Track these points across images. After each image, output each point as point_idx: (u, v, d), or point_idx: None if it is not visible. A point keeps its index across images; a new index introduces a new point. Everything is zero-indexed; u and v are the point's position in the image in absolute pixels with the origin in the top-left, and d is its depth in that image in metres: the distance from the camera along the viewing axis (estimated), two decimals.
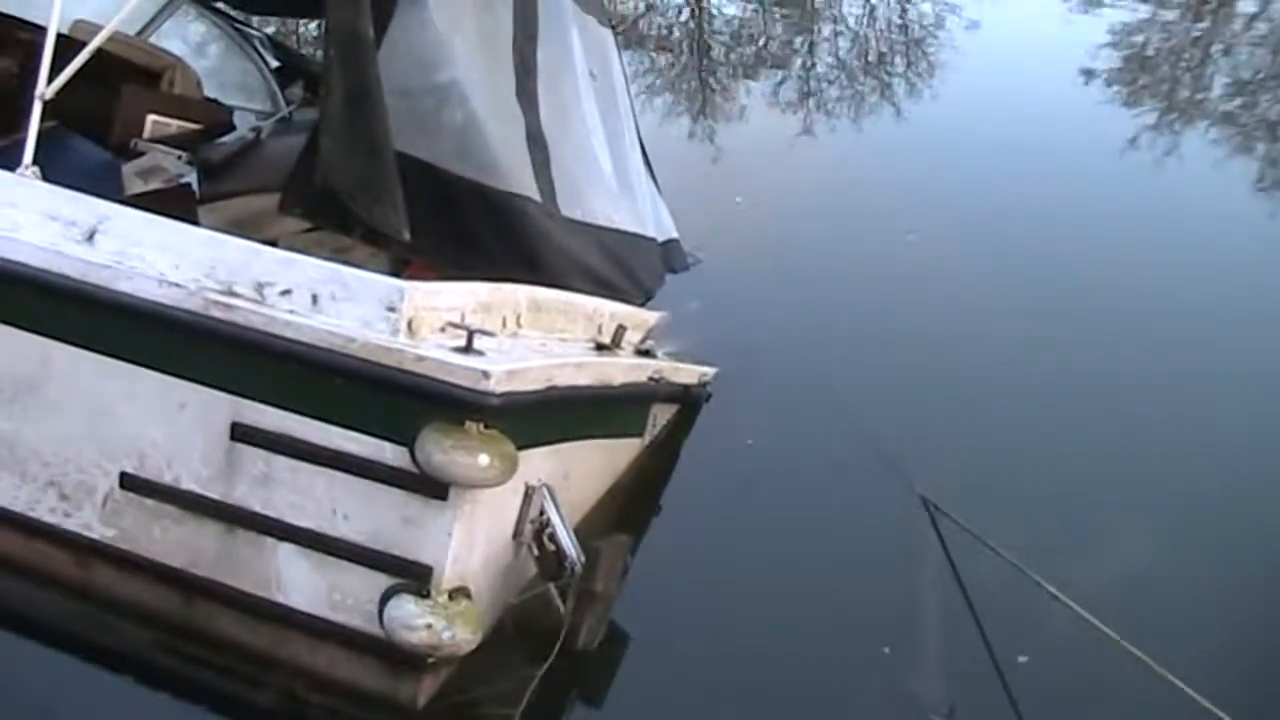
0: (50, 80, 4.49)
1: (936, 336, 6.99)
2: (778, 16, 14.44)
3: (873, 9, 14.90)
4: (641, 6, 13.65)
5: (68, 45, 4.54)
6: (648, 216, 5.97)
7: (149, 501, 4.24)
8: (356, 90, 4.35)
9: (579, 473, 4.67)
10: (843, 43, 13.84)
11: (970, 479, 5.72)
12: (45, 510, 4.40)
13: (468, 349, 3.79)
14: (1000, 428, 6.33)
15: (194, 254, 4.09)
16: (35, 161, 4.44)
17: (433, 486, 3.83)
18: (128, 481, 4.24)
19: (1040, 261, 8.29)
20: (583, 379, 4.35)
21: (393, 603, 3.95)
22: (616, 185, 5.70)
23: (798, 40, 13.77)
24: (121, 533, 4.32)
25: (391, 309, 3.84)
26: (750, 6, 14.42)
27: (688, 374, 5.45)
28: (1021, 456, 6.13)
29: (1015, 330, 7.24)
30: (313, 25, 9.09)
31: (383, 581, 3.99)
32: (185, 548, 4.25)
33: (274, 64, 7.04)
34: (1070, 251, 8.49)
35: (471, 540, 3.98)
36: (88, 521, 4.35)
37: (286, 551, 4.11)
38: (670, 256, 6.15)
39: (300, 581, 4.13)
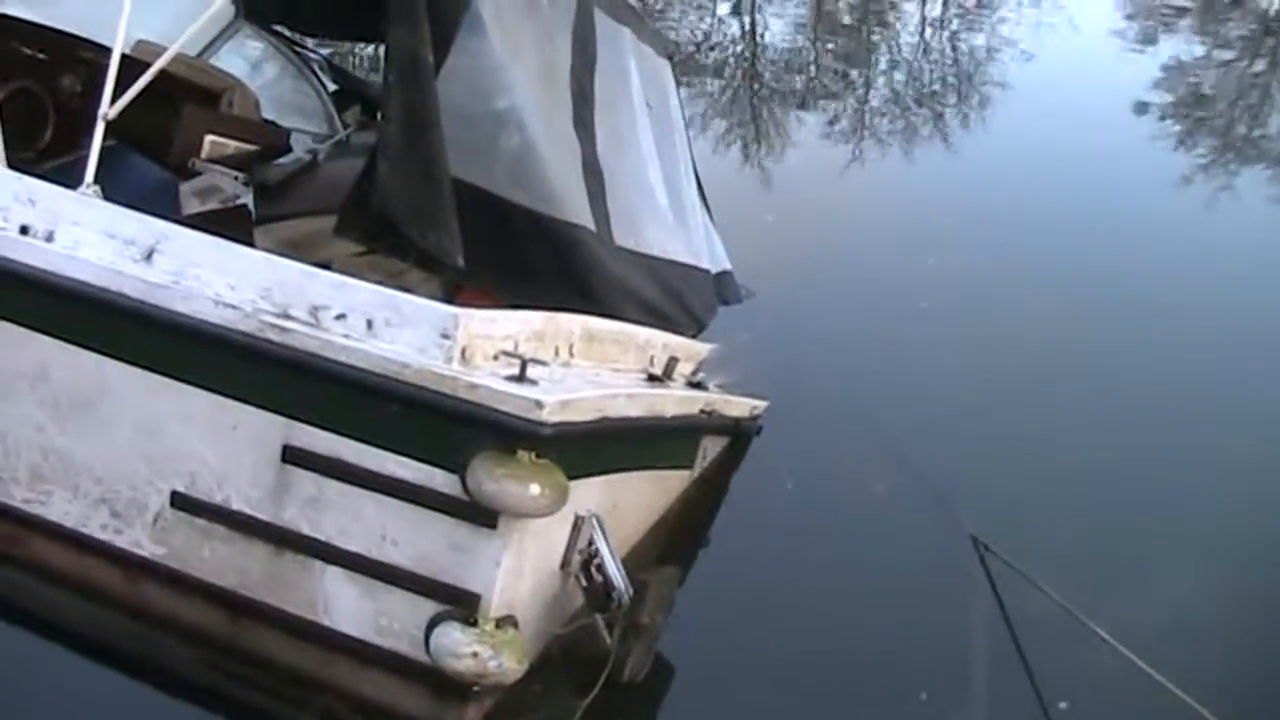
0: (113, 101, 4.52)
1: (986, 373, 6.96)
2: (830, 47, 14.44)
3: (926, 41, 14.88)
4: (697, 35, 13.66)
5: (130, 66, 4.58)
6: (701, 248, 5.98)
7: (199, 521, 4.24)
8: (415, 116, 4.36)
9: (628, 503, 4.66)
10: (896, 74, 13.84)
11: (1019, 518, 5.68)
12: (96, 526, 4.42)
13: (521, 378, 3.78)
14: (1050, 466, 6.29)
15: (250, 276, 4.11)
16: (96, 180, 4.48)
17: (483, 515, 3.82)
18: (178, 500, 4.25)
19: (1093, 300, 8.25)
20: (634, 410, 4.34)
21: (439, 629, 3.94)
22: (671, 216, 5.71)
23: (851, 71, 13.76)
24: (171, 551, 4.33)
25: (446, 336, 3.84)
26: (803, 37, 14.42)
27: (738, 407, 5.44)
28: (1071, 495, 6.09)
29: (1067, 369, 7.21)
30: (370, 48, 9.19)
31: (430, 608, 3.98)
32: (233, 568, 4.25)
33: (331, 87, 7.07)
34: (1124, 290, 8.46)
35: (520, 569, 3.97)
36: (138, 539, 4.36)
37: (334, 575, 4.10)
38: (723, 288, 6.15)
39: (347, 605, 4.13)
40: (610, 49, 5.44)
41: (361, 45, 9.26)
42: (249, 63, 7.08)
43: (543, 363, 3.91)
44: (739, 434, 5.70)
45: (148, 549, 4.36)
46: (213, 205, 5.64)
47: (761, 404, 5.76)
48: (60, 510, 4.47)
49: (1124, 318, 8.03)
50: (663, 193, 5.70)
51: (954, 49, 14.76)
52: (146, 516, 4.33)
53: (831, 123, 12.03)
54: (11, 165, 4.66)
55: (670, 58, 6.43)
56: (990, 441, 6.40)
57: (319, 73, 7.07)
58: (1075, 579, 5.13)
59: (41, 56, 6.22)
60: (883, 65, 14.15)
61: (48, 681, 4.49)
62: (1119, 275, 8.64)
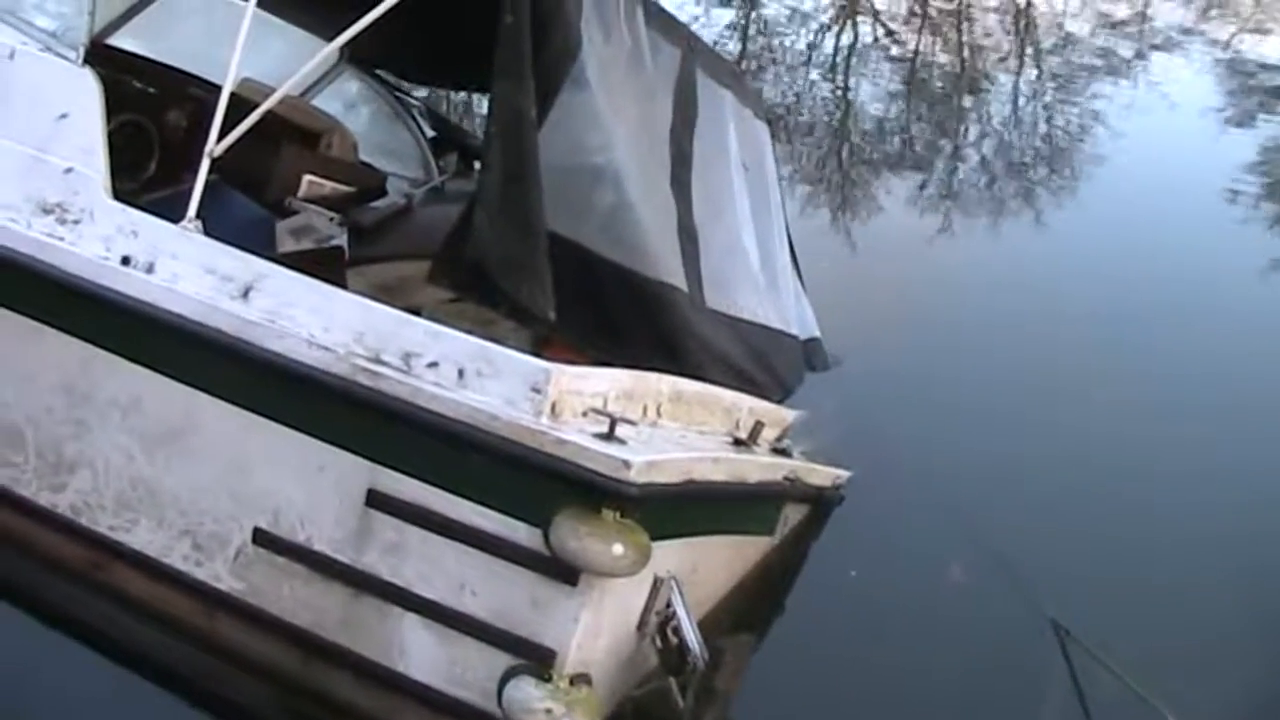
0: (220, 138, 4.59)
1: (1072, 451, 6.89)
2: (922, 113, 14.42)
3: (1018, 114, 14.83)
4: (788, 97, 13.68)
5: (236, 104, 4.63)
6: (791, 313, 5.96)
7: (279, 559, 4.28)
8: (515, 168, 4.39)
9: (707, 567, 4.64)
10: (986, 143, 13.78)
11: (1102, 602, 5.60)
12: (178, 557, 4.46)
13: (609, 436, 3.79)
14: (1136, 550, 6.19)
15: (345, 319, 4.15)
16: (198, 215, 4.54)
17: (563, 571, 3.82)
18: (260, 537, 4.29)
19: (1180, 383, 8.15)
20: (720, 475, 4.33)
21: (513, 683, 3.92)
22: (763, 280, 5.70)
23: (941, 138, 13.73)
24: (250, 587, 4.36)
25: (536, 390, 3.86)
26: (894, 102, 14.41)
27: (822, 475, 5.41)
28: (1158, 581, 5.99)
29: (1155, 454, 7.11)
30: (463, 93, 9.26)
31: (504, 661, 3.97)
32: (311, 608, 4.28)
33: (429, 133, 7.12)
34: (1211, 375, 8.34)
35: (597, 627, 3.96)
36: (218, 572, 4.40)
37: (411, 621, 4.11)
38: (811, 355, 6.12)
39: (422, 652, 4.13)
40: (710, 110, 5.45)
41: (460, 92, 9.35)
42: (349, 104, 7.15)
43: (631, 422, 3.92)
44: (821, 503, 5.66)
45: (227, 583, 4.40)
46: (307, 245, 5.69)
47: (845, 474, 5.72)
48: (144, 539, 4.52)
49: (1214, 404, 7.91)
50: (756, 256, 5.69)
51: (1046, 121, 14.69)
52: (228, 551, 4.37)
53: (920, 189, 11.99)
54: (116, 195, 4.73)
55: (769, 121, 6.44)
56: (1075, 521, 6.31)
57: (418, 118, 7.13)
58: (1159, 667, 5.04)
59: (150, 90, 6.33)
60: (973, 134, 14.10)
61: (119, 709, 4.54)
62: (1212, 363, 8.52)
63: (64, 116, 4.86)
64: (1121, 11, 18.74)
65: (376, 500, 4.06)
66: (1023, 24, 17.80)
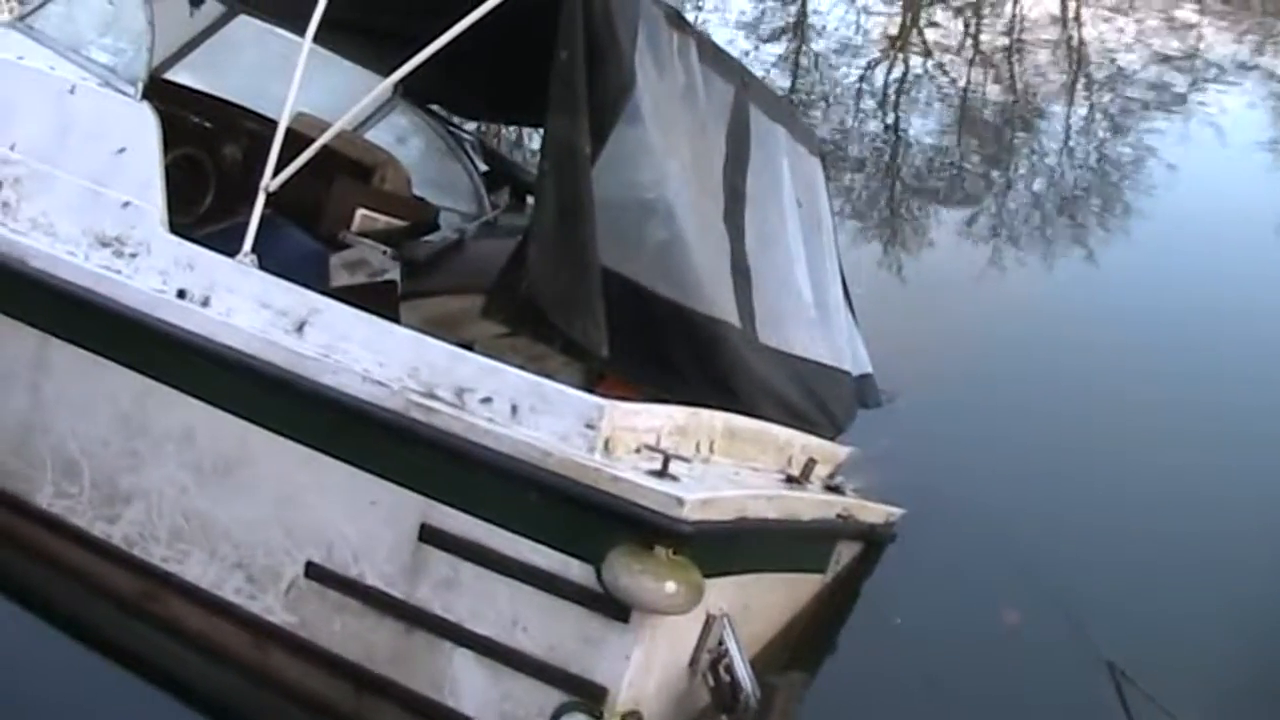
0: (275, 173, 4.62)
1: (1128, 487, 6.82)
2: (974, 148, 14.37)
3: (1070, 147, 14.75)
4: (840, 132, 13.67)
5: (290, 138, 4.67)
6: (844, 349, 5.94)
7: (332, 593, 4.28)
8: (568, 205, 4.40)
9: (759, 605, 4.62)
10: (1038, 178, 13.71)
11: (1160, 643, 5.53)
12: (231, 590, 4.47)
13: (663, 473, 3.79)
14: (1196, 590, 6.12)
15: (399, 354, 4.17)
16: (252, 249, 4.57)
17: (616, 608, 3.80)
18: (313, 571, 4.30)
19: (1237, 415, 8.03)
20: (773, 512, 4.31)
21: (564, 719, 3.91)
22: (815, 316, 5.69)
23: (992, 172, 13.67)
24: (302, 620, 4.37)
25: (590, 426, 3.86)
26: (947, 137, 14.37)
27: (874, 513, 5.38)
28: (1217, 621, 5.91)
29: (1214, 491, 7.02)
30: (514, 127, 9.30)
31: (556, 697, 3.95)
32: (362, 642, 4.27)
33: (482, 167, 7.15)
34: (1270, 407, 8.23)
35: (649, 665, 3.94)
36: (270, 605, 4.41)
37: (463, 657, 4.10)
38: (864, 391, 6.10)
39: (473, 688, 4.12)
40: (764, 146, 5.45)
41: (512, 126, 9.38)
42: (402, 138, 7.18)
43: (685, 459, 3.91)
44: (874, 541, 5.63)
45: (279, 616, 4.40)
46: (360, 278, 5.71)
47: (897, 511, 5.69)
48: (197, 571, 4.54)
49: (1275, 437, 7.81)
50: (808, 292, 5.68)
51: (1098, 154, 14.61)
52: (280, 584, 4.37)
53: (971, 222, 11.94)
54: (172, 229, 4.77)
55: (822, 157, 6.43)
56: (1130, 559, 6.24)
57: (470, 152, 7.15)
58: (1217, 711, 4.97)
59: (206, 124, 6.39)
60: (1024, 167, 14.04)
61: None
62: (1271, 395, 8.42)
63: (122, 150, 4.91)
64: (1174, 45, 18.62)
65: (429, 535, 4.06)
66: (1075, 57, 17.72)
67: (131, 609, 4.70)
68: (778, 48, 16.03)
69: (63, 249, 4.80)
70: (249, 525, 4.41)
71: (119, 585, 4.72)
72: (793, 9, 17.65)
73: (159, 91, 5.28)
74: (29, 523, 4.90)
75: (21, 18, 5.90)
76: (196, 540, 4.52)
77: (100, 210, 4.83)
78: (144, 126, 4.94)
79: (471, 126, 7.85)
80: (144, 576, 4.66)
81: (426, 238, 6.13)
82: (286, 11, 5.95)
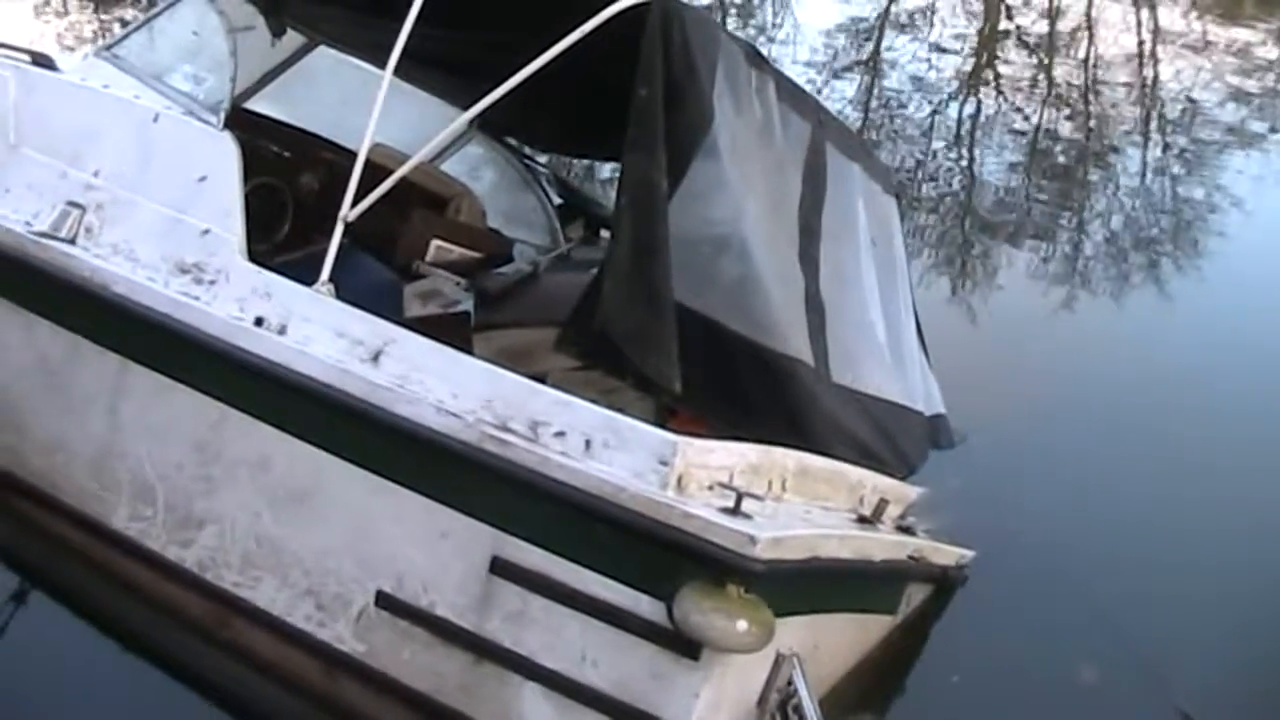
0: (354, 204, 4.66)
1: (1205, 534, 6.72)
2: (1046, 187, 14.28)
3: (1145, 187, 14.63)
4: (911, 169, 13.62)
5: (368, 169, 4.71)
6: (917, 389, 5.90)
7: (401, 622, 4.30)
8: (644, 240, 4.39)
9: (829, 645, 4.59)
10: (1112, 217, 13.60)
11: (1235, 694, 5.43)
12: (301, 617, 4.50)
13: (736, 511, 3.77)
14: (1271, 634, 6.00)
15: (473, 386, 4.19)
16: (330, 278, 4.61)
17: (686, 645, 3.79)
18: (383, 600, 4.31)
19: None
20: (845, 552, 4.29)
21: None
22: (889, 355, 5.65)
23: (1065, 211, 13.58)
24: (371, 649, 4.38)
25: (663, 462, 3.86)
26: (1019, 175, 14.29)
27: (945, 555, 5.34)
28: None
29: None
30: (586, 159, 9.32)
31: None
32: (431, 673, 4.29)
33: (556, 199, 7.16)
34: None
35: (717, 703, 3.92)
36: (340, 634, 4.43)
37: (531, 690, 4.10)
38: (936, 432, 6.04)
39: None
40: (839, 184, 5.43)
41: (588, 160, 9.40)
42: (477, 170, 7.21)
43: (757, 497, 3.89)
44: (944, 583, 5.57)
45: (349, 645, 4.42)
46: (434, 309, 5.74)
47: (969, 554, 5.64)
48: (268, 597, 4.57)
49: None
50: (882, 331, 5.65)
51: (1173, 195, 14.47)
52: (351, 612, 4.39)
53: (1043, 262, 11.87)
54: (250, 257, 4.82)
55: (897, 195, 6.40)
56: (1205, 607, 6.14)
57: (545, 185, 7.17)
58: None
59: (284, 154, 6.45)
60: (1098, 207, 13.93)
61: None
62: None
63: (203, 179, 4.98)
64: (1252, 85, 18.45)
65: (500, 568, 4.07)
66: (1149, 95, 17.59)
67: (203, 633, 4.74)
68: (850, 84, 16.01)
69: (143, 275, 4.87)
70: (321, 553, 4.44)
71: (191, 609, 4.76)
72: (866, 46, 17.63)
73: (240, 121, 5.34)
74: (104, 544, 4.97)
75: (108, 46, 6.01)
76: (268, 566, 4.55)
77: (180, 237, 4.90)
78: (225, 155, 5.00)
79: (545, 158, 7.88)
80: (216, 601, 4.70)
81: (500, 269, 6.14)
82: (365, 44, 6.02)
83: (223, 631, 4.71)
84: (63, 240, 5.08)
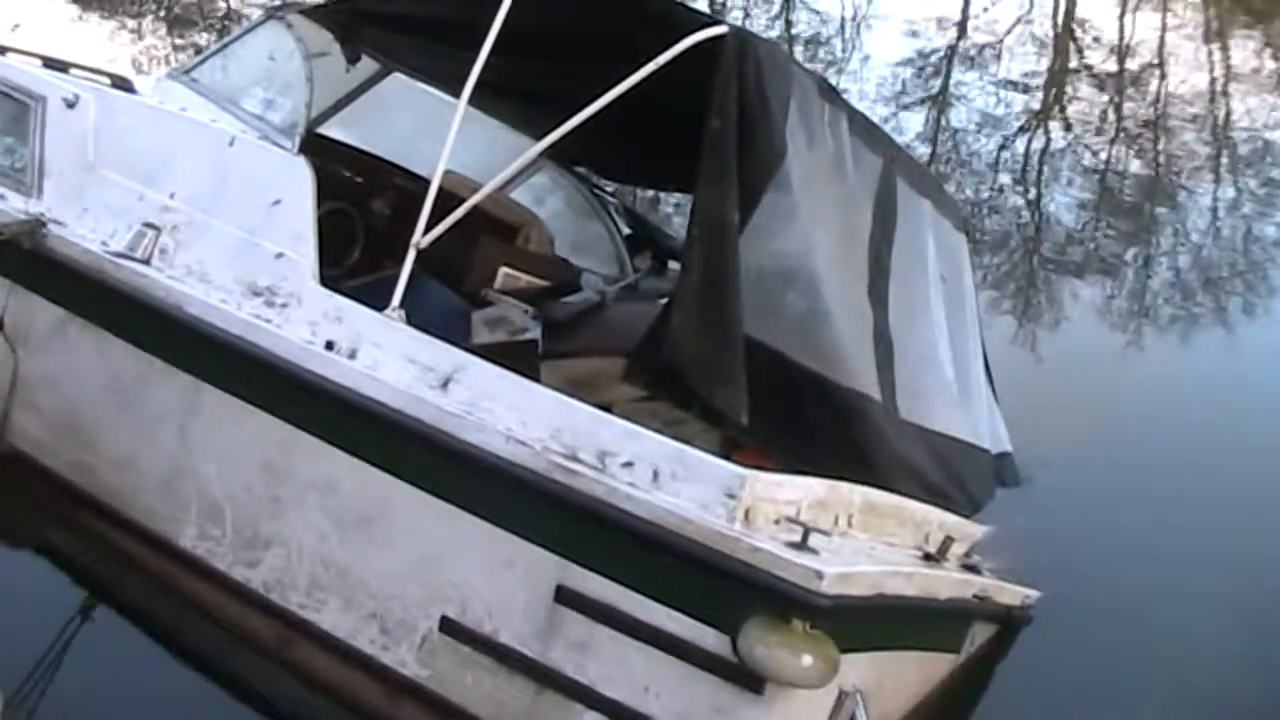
0: (426, 231, 4.68)
1: (1272, 572, 6.63)
2: (1114, 225, 14.18)
3: (1214, 227, 14.49)
4: (978, 204, 13.56)
5: (440, 196, 4.74)
6: (984, 426, 5.85)
7: (465, 649, 4.31)
8: (715, 274, 4.38)
9: (891, 682, 4.56)
10: (1181, 256, 13.49)
11: None
12: (365, 641, 4.52)
13: (802, 546, 3.77)
14: None
15: (542, 414, 4.20)
16: (400, 304, 4.64)
17: (750, 679, 3.79)
18: (448, 626, 4.33)
19: None
20: (910, 589, 4.27)
21: None
22: (956, 392, 5.61)
23: (1132, 250, 13.48)
24: (434, 675, 4.40)
25: (731, 496, 3.86)
26: (1086, 213, 14.20)
27: (1010, 594, 5.29)
28: None
29: None
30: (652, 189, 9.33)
31: None
32: (493, 700, 4.30)
33: (625, 230, 7.17)
34: None
35: None
36: (403, 658, 4.45)
37: None
38: (1002, 470, 5.99)
39: None
40: (910, 220, 5.41)
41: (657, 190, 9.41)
42: (545, 198, 7.21)
43: (824, 532, 3.89)
44: (1009, 623, 5.52)
45: (411, 669, 4.44)
46: (501, 336, 5.75)
47: (1034, 593, 5.58)
48: (332, 620, 4.59)
49: None
50: (950, 368, 5.60)
51: (1243, 236, 14.32)
52: (414, 637, 4.41)
53: (1110, 300, 11.80)
54: (321, 281, 4.86)
55: (967, 232, 6.37)
56: (1276, 652, 6.05)
57: (613, 214, 7.17)
58: None
59: (357, 179, 6.50)
60: (1166, 246, 13.82)
61: None
62: None
63: (277, 203, 5.04)
64: None
65: (565, 597, 4.07)
66: (1221, 134, 17.44)
67: (267, 653, 4.78)
68: (917, 118, 15.98)
69: (216, 296, 4.92)
70: (386, 577, 4.46)
71: (256, 629, 4.80)
72: (934, 81, 17.59)
73: (313, 145, 5.39)
74: (172, 562, 5.01)
75: (185, 70, 6.09)
76: (334, 589, 4.58)
77: (254, 260, 4.95)
78: (300, 180, 5.05)
79: (612, 187, 7.88)
80: (280, 622, 4.73)
81: (567, 298, 6.15)
82: (439, 72, 6.06)
83: (286, 652, 4.74)
84: (138, 260, 5.15)
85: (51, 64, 6.54)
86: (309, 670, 4.69)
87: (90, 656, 4.97)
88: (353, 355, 4.57)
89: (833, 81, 7.23)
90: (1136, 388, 9.37)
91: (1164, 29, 20.74)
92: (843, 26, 19.47)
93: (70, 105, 5.73)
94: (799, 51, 16.94)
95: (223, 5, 15.80)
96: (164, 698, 4.82)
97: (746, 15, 18.80)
